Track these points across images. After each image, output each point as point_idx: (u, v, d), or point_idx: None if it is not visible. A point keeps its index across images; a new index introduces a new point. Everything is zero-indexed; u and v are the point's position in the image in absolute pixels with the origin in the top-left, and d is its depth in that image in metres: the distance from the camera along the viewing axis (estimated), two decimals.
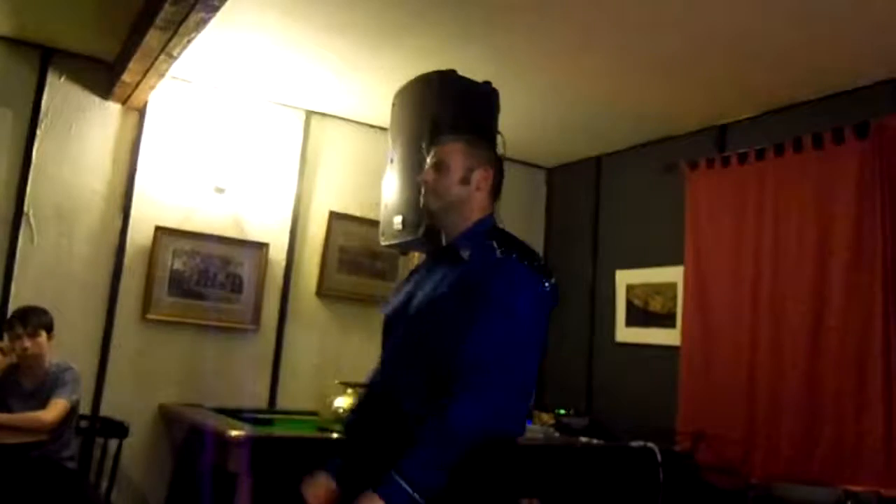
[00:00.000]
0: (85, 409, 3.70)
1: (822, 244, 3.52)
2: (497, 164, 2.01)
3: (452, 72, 2.01)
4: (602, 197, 4.88)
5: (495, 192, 2.01)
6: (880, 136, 3.34)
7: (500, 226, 1.98)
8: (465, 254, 1.87)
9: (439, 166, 1.97)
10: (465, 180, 1.95)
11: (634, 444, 3.84)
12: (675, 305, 4.23)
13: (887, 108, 3.39)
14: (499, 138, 1.97)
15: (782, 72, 3.48)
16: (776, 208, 3.74)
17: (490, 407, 1.70)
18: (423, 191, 1.98)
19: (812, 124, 3.67)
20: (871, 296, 3.28)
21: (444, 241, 2.01)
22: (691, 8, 2.97)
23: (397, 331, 1.95)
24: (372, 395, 1.99)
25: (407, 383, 1.83)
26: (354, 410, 2.04)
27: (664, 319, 4.28)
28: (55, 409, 3.26)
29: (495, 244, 1.85)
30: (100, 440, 3.73)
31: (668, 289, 4.25)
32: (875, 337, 3.24)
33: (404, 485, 1.62)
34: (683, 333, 4.11)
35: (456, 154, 1.98)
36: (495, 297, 1.75)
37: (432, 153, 2.01)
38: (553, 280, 1.86)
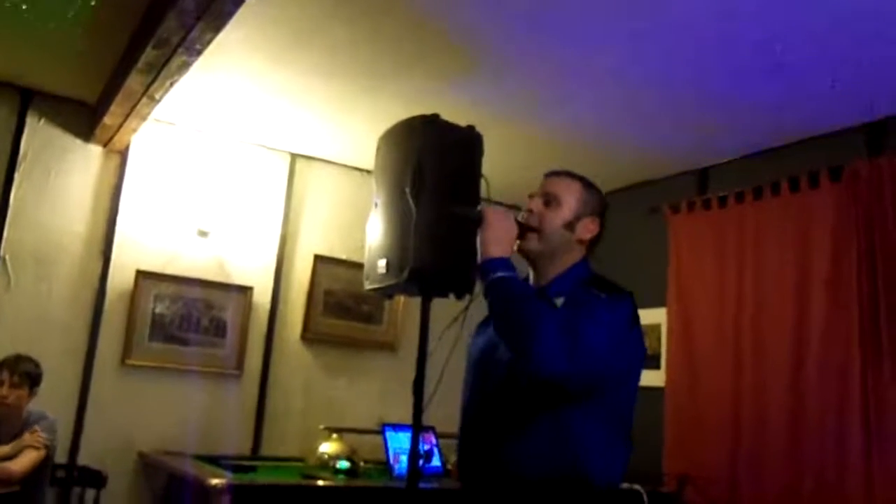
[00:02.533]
0: (62, 457, 3.61)
1: (800, 286, 3.56)
2: (603, 217, 1.93)
3: (436, 116, 2.01)
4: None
5: (595, 241, 1.94)
6: (853, 179, 3.40)
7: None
8: (559, 301, 1.79)
9: (549, 198, 1.89)
10: (571, 226, 1.88)
11: (622, 486, 3.79)
12: (659, 346, 4.23)
13: (860, 152, 3.46)
14: (482, 182, 1.96)
15: (760, 116, 3.54)
16: (756, 251, 3.78)
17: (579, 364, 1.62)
18: (525, 224, 1.87)
19: (789, 168, 3.73)
20: (848, 336, 3.31)
21: (531, 280, 1.93)
22: (670, 55, 3.02)
23: (484, 379, 1.88)
24: (467, 443, 1.91)
25: (503, 436, 1.77)
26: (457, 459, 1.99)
27: (649, 361, 4.26)
28: (26, 459, 3.18)
29: (596, 291, 1.78)
30: (76, 490, 3.63)
31: (652, 330, 4.24)
32: (853, 376, 3.26)
33: (496, 274, 1.70)
34: (668, 375, 4.11)
35: (571, 192, 1.90)
36: (615, 329, 1.72)
37: (542, 184, 1.92)
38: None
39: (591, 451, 1.73)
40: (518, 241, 1.87)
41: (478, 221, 1.79)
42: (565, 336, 1.62)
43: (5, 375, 3.24)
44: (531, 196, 1.95)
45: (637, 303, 1.89)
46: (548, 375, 1.63)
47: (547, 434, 1.72)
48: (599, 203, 1.94)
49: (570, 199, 1.90)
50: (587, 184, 1.94)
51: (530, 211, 1.90)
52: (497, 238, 1.76)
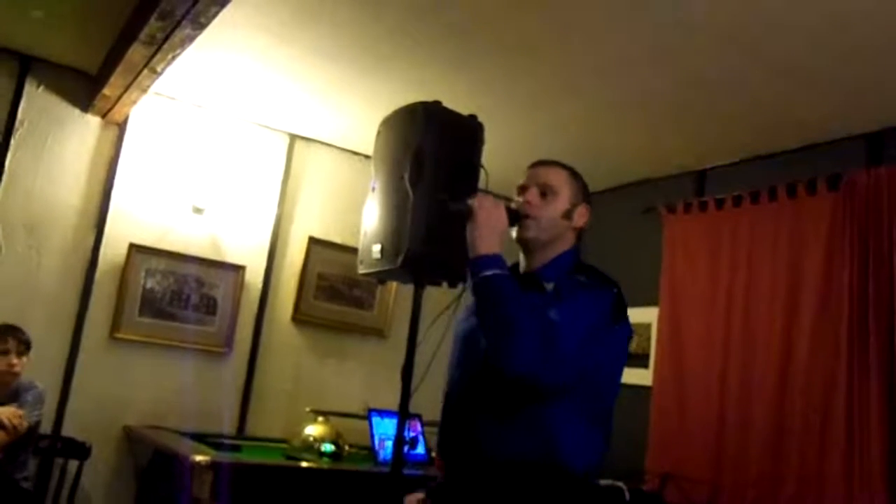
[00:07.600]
0: (46, 427, 3.60)
1: (792, 292, 3.57)
2: (590, 205, 1.95)
3: (438, 103, 2.00)
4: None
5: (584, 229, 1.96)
6: (850, 189, 3.40)
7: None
8: (549, 286, 1.81)
9: (545, 189, 1.89)
10: (568, 215, 1.90)
11: (603, 482, 3.81)
12: (648, 346, 4.24)
13: (858, 161, 3.46)
14: (482, 172, 1.95)
15: (760, 122, 3.54)
16: (750, 254, 3.80)
17: (554, 366, 1.63)
18: (521, 212, 1.86)
19: (787, 174, 3.74)
20: (836, 344, 3.33)
21: (522, 265, 1.93)
22: (672, 56, 3.02)
23: (467, 362, 1.88)
24: (447, 422, 1.92)
25: (481, 417, 1.78)
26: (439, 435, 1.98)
27: (637, 360, 4.28)
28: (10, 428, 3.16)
29: (584, 279, 1.80)
30: (59, 461, 3.62)
31: (642, 329, 4.25)
32: (839, 384, 3.29)
33: (484, 272, 1.68)
34: (655, 374, 4.12)
35: (564, 182, 1.91)
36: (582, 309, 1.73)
37: (531, 174, 1.92)
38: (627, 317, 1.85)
39: (566, 439, 1.74)
40: (516, 229, 1.88)
41: (468, 215, 1.78)
42: (543, 341, 1.64)
43: (11, 344, 3.22)
44: (521, 187, 1.94)
45: (627, 301, 1.89)
46: (518, 376, 1.66)
47: (523, 420, 1.73)
48: (587, 191, 1.97)
49: (565, 188, 1.91)
50: (574, 173, 1.97)
51: (528, 202, 1.89)
52: (485, 233, 1.75)
